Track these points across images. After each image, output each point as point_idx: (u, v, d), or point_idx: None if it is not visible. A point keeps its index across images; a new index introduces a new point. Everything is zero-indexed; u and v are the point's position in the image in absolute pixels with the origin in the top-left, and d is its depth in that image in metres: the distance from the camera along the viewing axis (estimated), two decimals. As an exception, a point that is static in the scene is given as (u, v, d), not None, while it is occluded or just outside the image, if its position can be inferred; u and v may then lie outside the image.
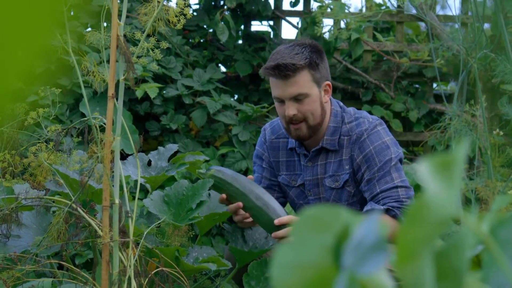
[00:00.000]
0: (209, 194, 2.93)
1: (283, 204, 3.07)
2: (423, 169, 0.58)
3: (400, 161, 2.83)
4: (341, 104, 2.95)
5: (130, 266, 2.08)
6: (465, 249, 0.59)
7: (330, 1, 5.28)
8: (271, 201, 2.73)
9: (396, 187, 2.74)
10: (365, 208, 2.74)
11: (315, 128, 2.81)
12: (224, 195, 2.74)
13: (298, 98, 2.75)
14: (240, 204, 2.71)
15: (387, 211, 2.69)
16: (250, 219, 2.75)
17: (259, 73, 2.91)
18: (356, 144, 2.82)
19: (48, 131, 2.31)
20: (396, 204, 2.71)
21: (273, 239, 2.85)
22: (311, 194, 2.94)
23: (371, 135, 2.81)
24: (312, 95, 2.77)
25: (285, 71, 2.71)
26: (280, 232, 2.62)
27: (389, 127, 5.44)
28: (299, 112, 2.76)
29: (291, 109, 2.74)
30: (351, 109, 2.94)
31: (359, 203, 2.88)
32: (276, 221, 2.63)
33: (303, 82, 2.75)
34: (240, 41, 5.65)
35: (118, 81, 2.03)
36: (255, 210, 2.72)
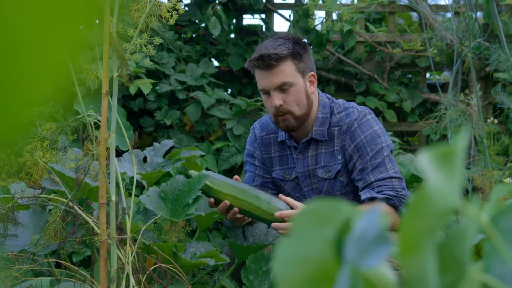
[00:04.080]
0: None
1: None
2: (424, 161, 0.58)
3: (391, 151, 2.85)
4: (329, 96, 2.99)
5: (128, 263, 2.08)
6: (468, 240, 0.59)
7: (322, -7, 5.28)
8: (264, 194, 2.76)
9: (391, 177, 2.76)
10: (364, 196, 2.74)
11: (302, 119, 2.83)
12: (212, 200, 2.75)
13: (283, 88, 2.77)
14: (227, 202, 2.71)
15: (386, 200, 2.71)
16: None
17: (244, 66, 2.91)
18: (347, 134, 2.85)
19: (42, 129, 2.30)
20: (392, 193, 2.72)
21: (273, 234, 2.85)
22: (305, 185, 2.95)
23: (361, 125, 2.83)
24: (297, 84, 2.79)
25: (268, 61, 2.74)
26: (281, 225, 2.62)
27: (383, 117, 5.45)
28: (285, 103, 2.77)
29: (276, 99, 2.76)
30: (340, 101, 2.97)
31: (352, 192, 2.90)
32: (277, 214, 2.64)
33: (287, 71, 2.77)
34: (232, 35, 5.64)
35: (111, 78, 2.02)
36: (250, 204, 2.72)
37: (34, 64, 0.54)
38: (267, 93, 2.80)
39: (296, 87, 2.79)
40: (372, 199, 2.74)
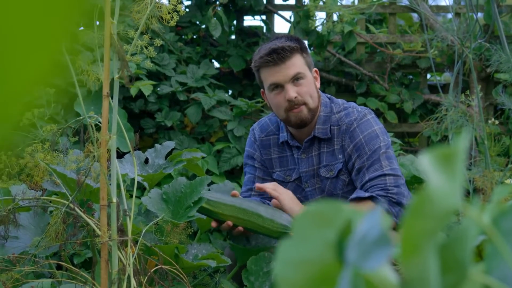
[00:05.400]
0: None
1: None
2: (425, 162, 0.58)
3: (390, 149, 2.85)
4: (329, 96, 3.01)
5: (129, 265, 2.07)
6: (469, 241, 0.59)
7: (323, -6, 5.28)
8: (262, 207, 2.75)
9: (384, 175, 2.75)
10: (350, 197, 2.75)
11: (314, 112, 2.85)
12: (213, 223, 2.75)
13: (297, 78, 2.80)
14: (230, 223, 2.70)
15: (372, 199, 2.70)
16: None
17: (251, 66, 2.92)
18: (346, 134, 2.86)
19: (43, 131, 2.30)
20: (382, 193, 2.71)
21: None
22: (308, 185, 2.95)
23: (361, 124, 2.84)
24: (307, 77, 2.84)
25: (282, 53, 2.78)
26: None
27: (384, 118, 5.44)
28: (299, 95, 2.79)
29: (291, 91, 2.78)
30: (340, 100, 2.99)
31: (353, 191, 2.90)
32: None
33: (299, 63, 2.82)
34: (233, 36, 5.65)
35: (112, 80, 2.02)
36: (251, 223, 2.72)
37: (21, 62, 0.53)
38: (279, 87, 2.81)
39: (307, 79, 2.82)
40: (356, 200, 2.74)
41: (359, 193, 2.74)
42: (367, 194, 2.71)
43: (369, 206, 2.69)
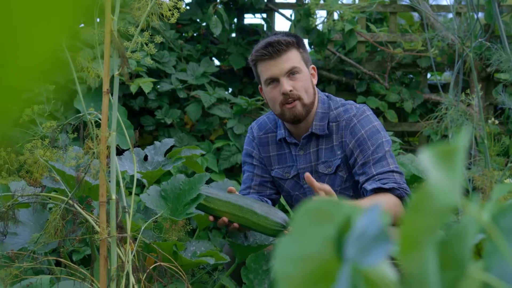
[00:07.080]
0: None
1: (275, 201, 3.08)
2: (425, 159, 0.58)
3: (390, 147, 2.87)
4: (327, 93, 3.02)
5: (128, 262, 2.07)
6: (468, 238, 0.59)
7: (323, -7, 5.27)
8: (256, 204, 2.74)
9: (392, 171, 2.77)
10: (370, 186, 2.74)
11: (309, 107, 2.85)
12: (211, 217, 2.75)
13: (292, 73, 2.82)
14: (225, 219, 2.70)
15: (392, 190, 2.71)
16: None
17: (248, 60, 2.93)
18: (346, 130, 2.86)
19: (43, 127, 2.30)
20: (396, 186, 2.73)
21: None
22: (306, 181, 2.95)
23: (361, 120, 2.86)
24: (303, 71, 2.85)
25: (278, 46, 2.80)
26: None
27: (384, 117, 5.44)
28: (294, 89, 2.80)
29: (286, 85, 2.79)
30: (337, 98, 3.00)
31: (351, 188, 2.91)
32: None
33: (295, 58, 2.83)
34: (233, 34, 5.64)
35: (112, 77, 2.02)
36: (245, 219, 2.72)
37: (21, 58, 0.53)
38: (275, 81, 2.82)
39: (303, 74, 2.83)
40: (377, 190, 2.74)
41: (377, 184, 2.73)
42: (387, 186, 2.72)
43: (390, 198, 2.70)
